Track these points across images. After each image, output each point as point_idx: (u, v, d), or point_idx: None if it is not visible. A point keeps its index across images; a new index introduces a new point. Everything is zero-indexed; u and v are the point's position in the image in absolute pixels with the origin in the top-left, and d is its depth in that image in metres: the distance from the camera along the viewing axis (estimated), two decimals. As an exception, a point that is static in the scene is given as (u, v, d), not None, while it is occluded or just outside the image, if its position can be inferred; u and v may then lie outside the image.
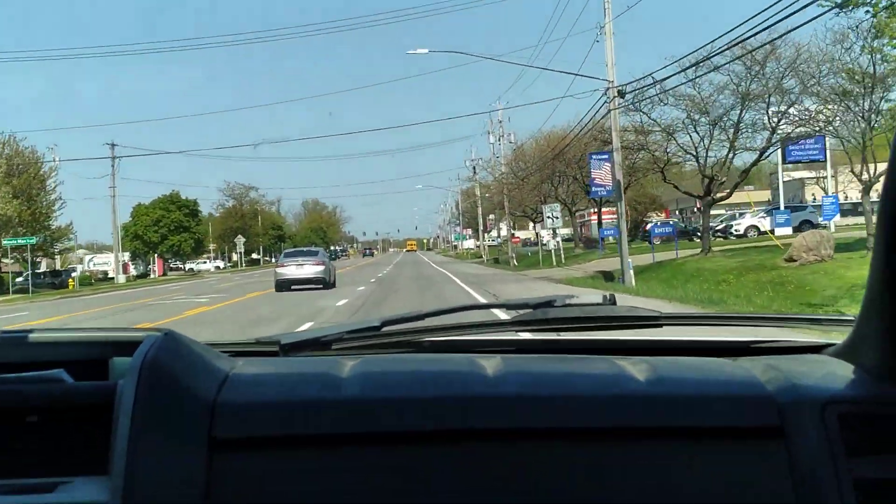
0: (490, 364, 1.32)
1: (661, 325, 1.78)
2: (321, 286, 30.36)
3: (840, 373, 1.33)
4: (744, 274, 21.95)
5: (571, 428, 1.20)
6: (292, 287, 30.20)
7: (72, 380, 1.30)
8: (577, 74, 29.51)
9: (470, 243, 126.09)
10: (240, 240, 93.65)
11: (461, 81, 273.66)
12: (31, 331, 1.46)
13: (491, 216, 70.46)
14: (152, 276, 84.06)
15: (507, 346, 1.79)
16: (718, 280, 21.86)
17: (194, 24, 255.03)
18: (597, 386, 1.27)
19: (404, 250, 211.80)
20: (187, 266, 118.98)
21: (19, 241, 47.38)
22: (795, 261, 21.66)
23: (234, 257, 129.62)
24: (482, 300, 19.82)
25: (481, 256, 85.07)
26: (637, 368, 1.31)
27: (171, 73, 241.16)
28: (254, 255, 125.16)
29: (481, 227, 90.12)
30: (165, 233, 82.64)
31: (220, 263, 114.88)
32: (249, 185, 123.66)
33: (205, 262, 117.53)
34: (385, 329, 1.73)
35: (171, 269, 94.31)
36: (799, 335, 1.80)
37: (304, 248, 38.74)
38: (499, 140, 61.04)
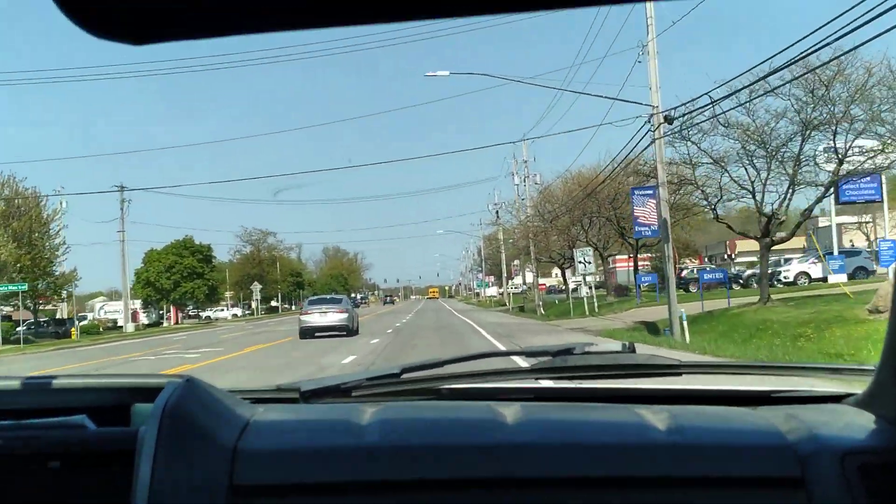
0: (509, 412, 1.33)
1: (680, 374, 1.78)
2: (344, 333, 30.27)
3: (860, 422, 1.34)
4: (824, 328, 18.33)
5: (592, 477, 1.19)
6: (316, 334, 30.02)
7: (94, 426, 1.31)
8: (616, 99, 26.60)
9: (493, 290, 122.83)
10: (256, 287, 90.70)
11: (485, 115, 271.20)
12: (54, 377, 1.46)
13: (515, 262, 66.91)
14: (165, 324, 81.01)
15: (526, 393, 1.78)
16: (794, 335, 18.30)
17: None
18: (617, 435, 1.27)
19: (426, 297, 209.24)
20: (204, 314, 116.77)
21: (10, 287, 44.50)
22: (882, 312, 18.16)
23: (253, 304, 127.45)
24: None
25: (505, 304, 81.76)
26: (657, 417, 1.30)
27: (185, 124, 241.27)
28: (273, 303, 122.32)
29: (504, 274, 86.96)
30: (178, 279, 79.41)
31: (238, 311, 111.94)
32: (267, 230, 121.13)
33: (222, 310, 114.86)
34: (405, 376, 1.74)
35: (189, 317, 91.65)
36: (819, 384, 1.79)
37: (328, 297, 37.57)
38: (524, 181, 57.82)
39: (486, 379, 1.85)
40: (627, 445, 1.24)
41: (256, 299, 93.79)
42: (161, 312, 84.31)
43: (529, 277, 64.12)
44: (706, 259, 71.99)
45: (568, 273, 56.38)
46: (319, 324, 30.48)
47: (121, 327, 68.32)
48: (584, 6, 0.68)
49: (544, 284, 77.24)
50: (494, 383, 1.86)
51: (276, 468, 1.19)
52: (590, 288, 42.01)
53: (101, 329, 66.53)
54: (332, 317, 30.70)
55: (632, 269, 45.95)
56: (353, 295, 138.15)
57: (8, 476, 1.28)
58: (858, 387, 1.49)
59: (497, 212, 78.41)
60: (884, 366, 1.30)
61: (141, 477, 1.15)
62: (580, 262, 40.19)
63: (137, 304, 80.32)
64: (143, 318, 79.64)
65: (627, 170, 33.71)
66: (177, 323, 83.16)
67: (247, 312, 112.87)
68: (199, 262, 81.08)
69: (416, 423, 1.32)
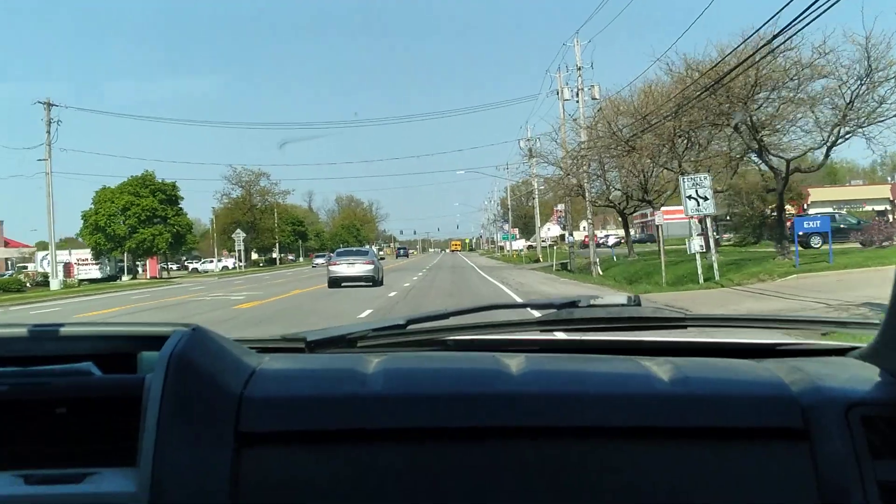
0: (514, 363, 1.34)
1: (686, 327, 1.80)
2: (371, 284, 31.89)
3: (865, 375, 1.34)
4: None
5: (595, 427, 1.21)
6: (342, 284, 31.67)
7: (100, 373, 1.32)
8: None
9: (519, 244, 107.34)
10: (238, 236, 75.64)
11: (517, 21, 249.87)
12: (61, 324, 1.47)
13: (559, 206, 51.29)
14: (125, 278, 66.06)
15: (531, 345, 1.80)
16: None
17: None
18: (621, 385, 1.28)
19: (444, 251, 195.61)
20: (191, 266, 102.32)
21: None
22: None
23: (254, 255, 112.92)
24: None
25: (538, 259, 66.31)
26: (662, 369, 1.32)
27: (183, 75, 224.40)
28: (274, 255, 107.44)
29: (538, 224, 71.22)
30: (135, 224, 64.06)
31: (230, 263, 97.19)
32: (260, 170, 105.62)
33: (210, 262, 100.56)
34: (410, 327, 1.75)
35: (167, 270, 77.20)
36: (824, 338, 1.79)
37: (355, 248, 40.66)
38: (576, 94, 41.91)
39: (492, 331, 1.87)
40: (631, 396, 1.24)
41: (239, 249, 78.75)
42: (120, 264, 69.16)
43: (582, 229, 49.24)
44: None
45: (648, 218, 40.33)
46: (347, 274, 32.33)
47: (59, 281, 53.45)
48: None
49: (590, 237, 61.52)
50: (499, 335, 1.87)
51: (282, 416, 1.20)
52: (711, 236, 25.89)
53: (27, 284, 51.36)
54: (359, 268, 32.54)
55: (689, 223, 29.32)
56: (365, 247, 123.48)
57: (15, 421, 1.29)
58: (863, 340, 1.49)
59: (530, 150, 63.85)
60: (890, 319, 1.30)
61: (147, 423, 1.17)
62: (691, 198, 24.45)
63: (86, 253, 65.32)
64: (94, 271, 64.59)
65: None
66: (155, 276, 68.37)
67: (243, 265, 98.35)
68: (162, 203, 65.45)
69: (420, 373, 1.34)
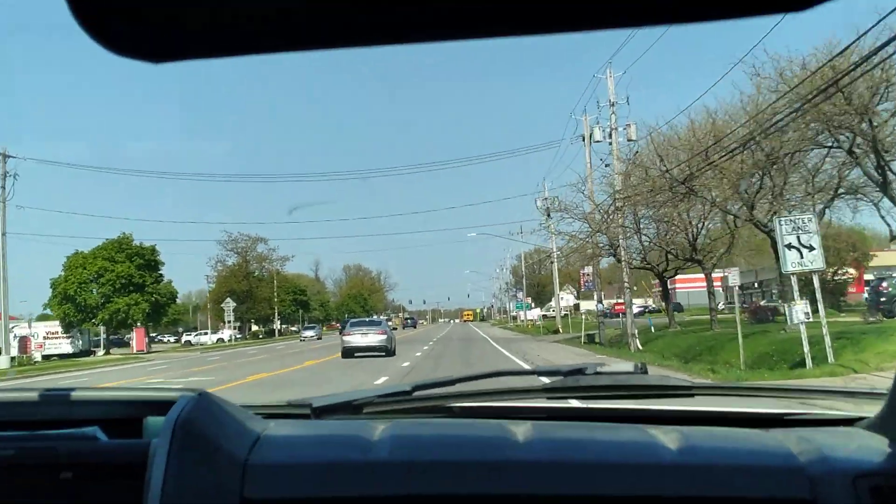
0: (520, 430, 1.33)
1: (692, 395, 1.78)
2: (384, 354, 31.96)
3: (872, 445, 1.34)
4: None
5: (603, 496, 1.20)
6: (355, 354, 31.84)
7: (106, 438, 1.34)
8: None
9: (533, 313, 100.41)
10: (228, 305, 68.95)
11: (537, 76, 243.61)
12: (70, 389, 1.49)
13: (586, 269, 44.45)
14: (101, 352, 59.27)
15: (538, 413, 1.78)
16: None
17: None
18: (628, 454, 1.27)
19: (455, 321, 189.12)
20: (185, 338, 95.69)
21: None
22: None
23: (255, 327, 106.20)
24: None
25: (559, 330, 59.36)
26: (668, 437, 1.31)
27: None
28: (275, 325, 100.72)
29: (557, 290, 64.41)
30: (109, 292, 57.44)
31: (225, 335, 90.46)
32: (257, 235, 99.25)
33: (205, 333, 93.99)
34: (416, 394, 1.74)
35: (156, 342, 70.56)
36: (831, 408, 1.80)
37: (368, 319, 42.91)
38: (609, 135, 35.54)
39: (498, 398, 1.85)
40: (638, 465, 1.24)
41: (228, 320, 71.89)
42: (95, 337, 62.34)
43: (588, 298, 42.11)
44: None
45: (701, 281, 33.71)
46: (360, 344, 32.60)
47: (21, 357, 46.78)
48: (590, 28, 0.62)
49: (619, 304, 54.51)
50: (506, 402, 1.85)
51: (287, 482, 1.20)
52: (803, 304, 18.94)
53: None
54: (372, 338, 32.91)
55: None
56: (372, 317, 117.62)
57: (22, 485, 1.30)
58: (870, 410, 1.49)
59: (548, 208, 57.81)
60: None
61: (152, 488, 1.16)
62: (791, 247, 17.70)
63: (56, 326, 58.61)
64: (66, 346, 57.78)
65: None
66: (140, 350, 61.61)
67: (236, 335, 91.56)
68: (140, 268, 58.92)
69: (426, 440, 1.33)
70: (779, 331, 25.48)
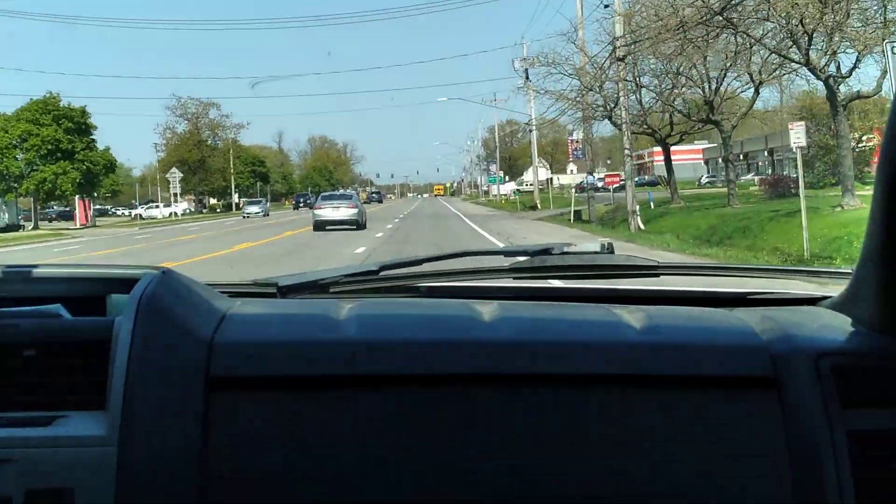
0: (487, 310, 1.33)
1: (658, 275, 1.78)
2: (355, 227, 32.58)
3: (835, 324, 1.35)
4: None
5: (566, 374, 1.21)
6: (326, 227, 32.31)
7: (69, 315, 1.30)
8: None
9: (507, 187, 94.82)
10: (174, 175, 62.26)
11: None
12: (32, 266, 1.46)
13: (575, 135, 38.38)
14: (29, 227, 53.03)
15: (504, 293, 1.77)
16: None
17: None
18: (592, 333, 1.29)
19: (424, 195, 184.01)
20: (135, 211, 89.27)
21: None
22: None
23: (213, 200, 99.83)
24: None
25: (537, 206, 53.91)
26: (633, 317, 1.32)
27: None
28: (233, 199, 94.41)
29: (535, 162, 58.53)
30: (33, 159, 50.66)
31: (179, 209, 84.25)
32: (209, 100, 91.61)
33: (157, 206, 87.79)
34: (383, 273, 1.75)
35: (116, 215, 64.36)
36: (796, 287, 1.80)
37: (338, 192, 43.93)
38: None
39: (464, 277, 1.85)
40: (603, 343, 1.25)
41: (174, 192, 65.52)
42: (19, 211, 55.89)
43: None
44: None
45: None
46: (331, 217, 33.22)
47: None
48: None
49: (616, 177, 48.62)
50: (473, 282, 1.84)
51: (252, 360, 1.19)
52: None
53: None
54: (343, 211, 33.51)
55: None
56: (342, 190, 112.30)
57: None
58: (835, 290, 1.49)
59: (526, 70, 51.62)
60: (861, 269, 1.30)
61: (117, 366, 1.16)
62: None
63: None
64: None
65: None
66: (84, 224, 55.44)
67: (190, 210, 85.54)
68: (68, 133, 52.02)
69: (392, 319, 1.34)
70: (833, 207, 19.96)
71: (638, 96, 32.12)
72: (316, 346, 1.22)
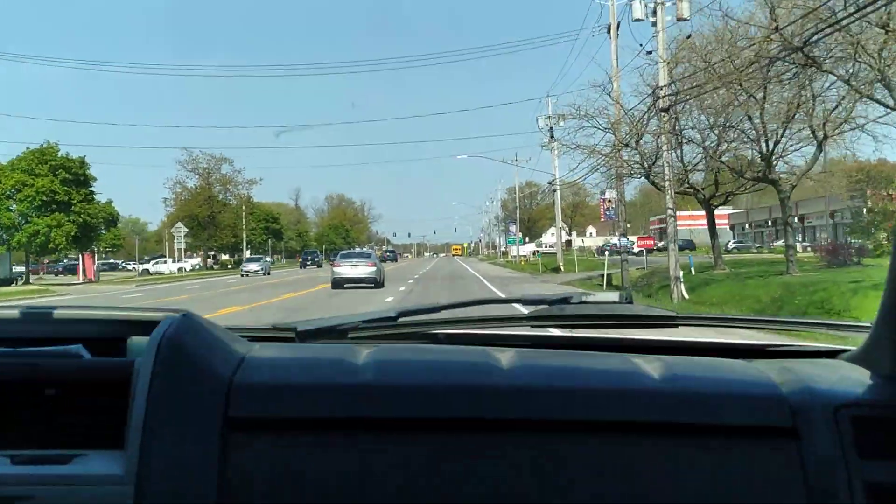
0: (505, 357, 1.33)
1: (676, 325, 1.78)
2: (373, 285, 32.79)
3: (854, 377, 1.35)
4: None
5: (584, 420, 1.21)
6: (345, 285, 32.78)
7: (90, 356, 1.33)
8: None
9: (526, 249, 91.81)
10: (179, 230, 59.67)
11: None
12: (53, 307, 1.49)
13: (608, 193, 35.10)
14: (31, 282, 50.11)
15: (522, 340, 1.78)
16: None
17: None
18: (610, 380, 1.28)
19: (440, 255, 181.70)
20: (142, 266, 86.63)
21: None
22: None
23: (225, 256, 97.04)
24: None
25: (560, 269, 50.71)
26: (651, 366, 1.31)
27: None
28: (244, 256, 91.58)
29: (559, 221, 55.38)
30: (27, 211, 47.93)
31: (188, 265, 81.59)
32: (221, 155, 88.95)
33: (165, 261, 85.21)
34: (401, 320, 1.74)
35: (108, 269, 61.54)
36: (815, 340, 1.79)
37: (357, 251, 44.37)
38: (652, 11, 26.12)
39: (483, 325, 1.87)
40: (621, 391, 1.24)
41: (179, 248, 62.74)
42: (12, 265, 52.93)
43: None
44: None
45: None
46: (350, 275, 33.52)
47: None
48: None
49: (651, 240, 45.19)
50: (490, 330, 1.87)
51: (271, 402, 1.20)
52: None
53: None
54: (361, 269, 33.87)
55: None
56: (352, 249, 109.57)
57: (4, 402, 1.31)
58: (853, 343, 1.50)
59: (551, 130, 49.62)
60: (880, 322, 1.31)
61: (136, 407, 1.16)
62: None
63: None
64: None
65: None
66: (90, 279, 52.46)
67: (199, 266, 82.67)
68: (64, 184, 49.22)
69: (410, 364, 1.33)
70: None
71: (679, 153, 28.96)
72: (334, 390, 1.22)
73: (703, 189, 31.27)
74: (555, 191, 53.98)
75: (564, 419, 1.20)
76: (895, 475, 1.17)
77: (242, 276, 58.96)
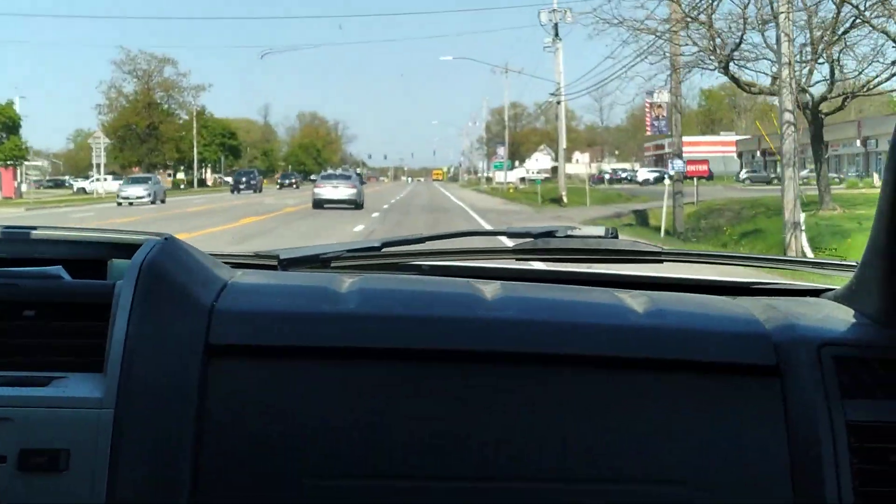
0: (489, 289, 1.33)
1: (662, 261, 1.78)
2: (353, 206, 33.32)
3: (838, 316, 1.37)
4: None
5: (568, 354, 1.21)
6: (325, 206, 33.14)
7: (70, 278, 1.31)
8: None
9: (514, 175, 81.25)
10: (98, 141, 48.85)
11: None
12: (32, 227, 1.47)
13: (657, 96, 24.85)
14: None
15: (507, 273, 1.76)
16: None
17: None
18: (595, 315, 1.29)
19: (420, 180, 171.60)
20: (78, 184, 75.91)
21: None
22: None
23: (183, 174, 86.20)
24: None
25: (562, 200, 40.89)
26: (637, 301, 1.32)
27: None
28: (194, 175, 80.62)
29: (562, 141, 44.80)
30: None
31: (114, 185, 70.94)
32: (165, 55, 77.29)
33: (104, 180, 74.65)
34: (385, 250, 1.75)
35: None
36: (800, 278, 1.84)
37: (338, 172, 44.47)
38: None
39: (467, 257, 1.85)
40: (605, 326, 1.25)
41: (96, 163, 51.93)
42: None
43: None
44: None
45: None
46: (331, 196, 34.13)
47: None
48: None
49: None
50: (475, 262, 1.84)
51: (252, 330, 1.20)
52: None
53: None
54: (342, 191, 34.39)
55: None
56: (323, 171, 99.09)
57: None
58: (839, 282, 1.50)
59: (556, 24, 40.44)
60: (865, 262, 1.31)
61: (116, 330, 1.16)
62: None
63: None
64: None
65: None
66: (8, 197, 42.29)
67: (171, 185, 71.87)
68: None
69: (394, 294, 1.34)
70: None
71: (776, 23, 18.63)
72: (316, 318, 1.22)
73: (808, 87, 20.93)
74: (558, 103, 43.49)
75: (548, 353, 1.20)
76: (876, 414, 1.18)
77: (119, 204, 42.82)
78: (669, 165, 23.36)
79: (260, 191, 65.79)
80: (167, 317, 1.17)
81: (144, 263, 1.20)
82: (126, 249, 1.33)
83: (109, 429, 1.10)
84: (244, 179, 65.43)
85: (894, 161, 1.14)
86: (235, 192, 61.69)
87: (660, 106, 25.87)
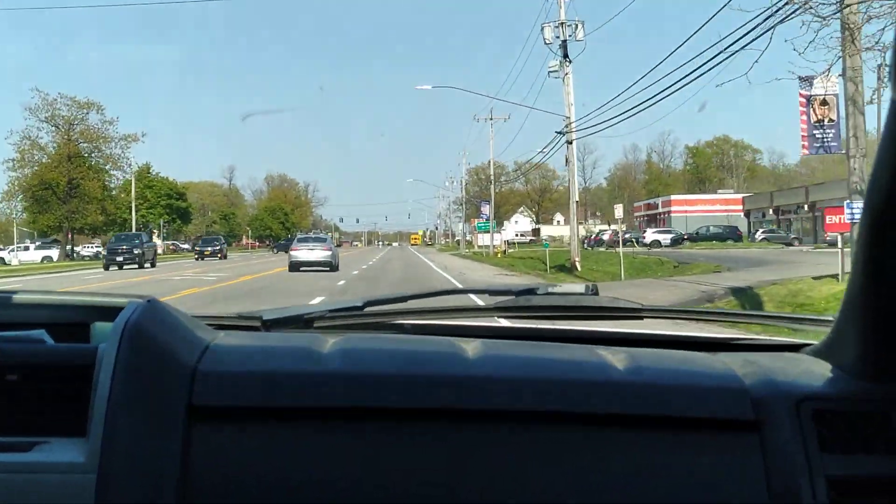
0: (471, 347, 1.35)
1: (642, 318, 1.80)
2: (328, 269, 34.14)
3: (817, 370, 1.37)
4: None
5: (548, 411, 1.22)
6: (301, 268, 34.33)
7: (53, 341, 1.32)
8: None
9: (500, 237, 70.92)
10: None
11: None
12: (14, 291, 1.48)
13: (818, 86, 14.74)
14: None
15: (488, 331, 1.79)
16: None
17: None
18: (575, 371, 1.29)
19: (394, 244, 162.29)
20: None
21: None
22: None
23: (95, 247, 75.23)
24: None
25: (575, 267, 30.77)
26: (616, 357, 1.33)
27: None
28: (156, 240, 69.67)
29: (574, 190, 34.77)
30: None
31: (49, 254, 60.72)
32: (89, 99, 66.27)
33: (27, 249, 64.43)
34: (368, 309, 1.76)
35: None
36: (778, 334, 1.86)
37: (313, 235, 43.03)
38: None
39: (449, 315, 1.87)
40: (585, 382, 1.25)
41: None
42: None
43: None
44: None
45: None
46: (307, 259, 35.07)
47: None
48: None
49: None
50: (457, 320, 1.87)
51: (235, 391, 1.20)
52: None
53: None
54: (318, 253, 35.35)
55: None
56: (290, 236, 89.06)
57: None
58: (816, 338, 1.52)
59: (565, 41, 36.12)
60: (843, 316, 1.32)
61: (99, 394, 1.16)
62: None
63: None
64: None
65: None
66: None
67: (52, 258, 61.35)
68: None
69: (376, 353, 1.34)
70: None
71: None
72: (298, 378, 1.22)
73: None
74: (569, 143, 33.46)
75: (529, 410, 1.21)
76: (856, 469, 1.18)
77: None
78: (845, 209, 13.01)
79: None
80: (150, 379, 1.17)
81: (127, 326, 1.21)
82: (109, 312, 1.32)
83: (92, 494, 1.10)
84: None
85: (865, 217, 1.14)
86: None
87: (825, 103, 15.47)
